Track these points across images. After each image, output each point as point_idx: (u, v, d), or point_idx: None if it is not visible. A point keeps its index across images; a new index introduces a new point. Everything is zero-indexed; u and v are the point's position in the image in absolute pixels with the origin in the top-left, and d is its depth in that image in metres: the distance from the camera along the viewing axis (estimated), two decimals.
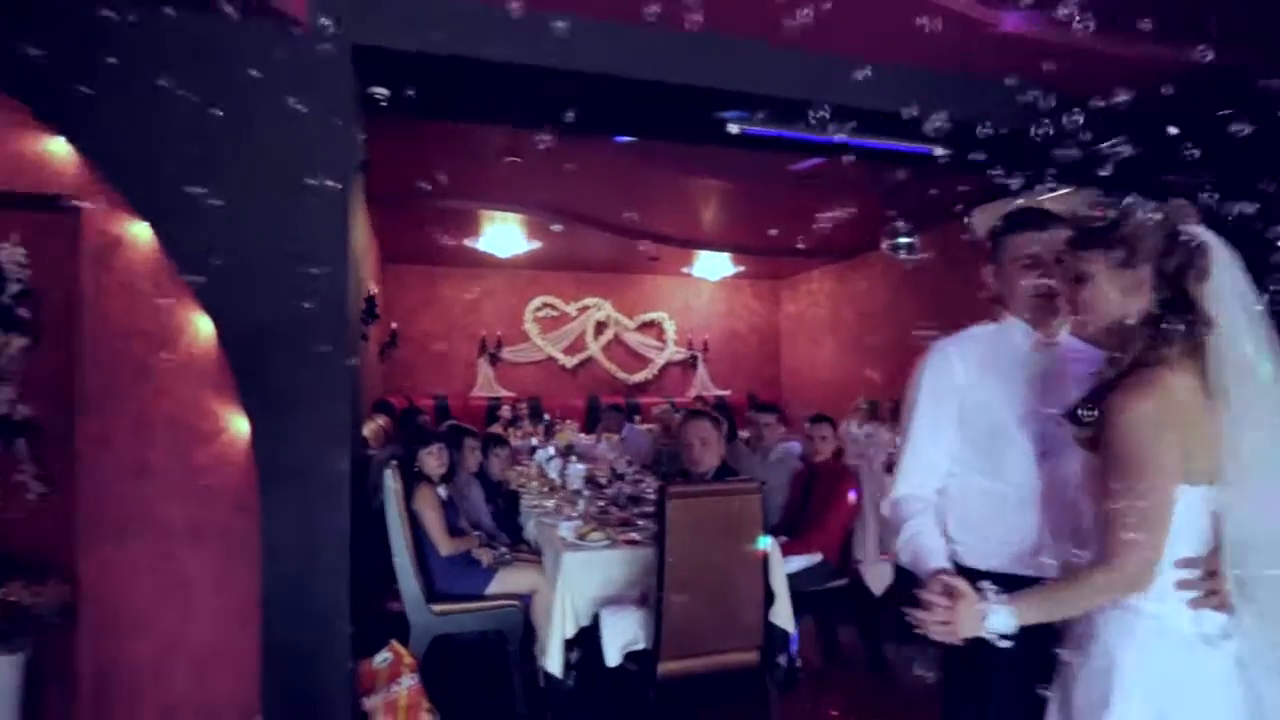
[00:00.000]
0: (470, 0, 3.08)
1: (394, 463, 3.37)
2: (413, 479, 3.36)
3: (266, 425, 2.89)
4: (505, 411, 8.47)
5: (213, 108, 2.76)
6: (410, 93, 3.15)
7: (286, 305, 2.87)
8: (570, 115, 2.87)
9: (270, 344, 2.87)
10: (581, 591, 2.90)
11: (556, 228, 7.19)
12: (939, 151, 2.30)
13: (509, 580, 3.36)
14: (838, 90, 3.31)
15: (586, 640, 2.74)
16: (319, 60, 2.91)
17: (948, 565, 1.44)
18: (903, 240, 7.02)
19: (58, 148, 2.78)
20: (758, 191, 6.63)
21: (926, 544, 1.50)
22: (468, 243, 7.59)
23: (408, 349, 9.09)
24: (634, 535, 3.16)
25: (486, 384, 9.63)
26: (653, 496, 4.06)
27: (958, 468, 1.57)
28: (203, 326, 2.88)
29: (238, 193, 2.84)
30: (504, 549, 3.52)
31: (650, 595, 2.61)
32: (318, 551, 2.93)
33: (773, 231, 7.80)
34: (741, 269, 9.74)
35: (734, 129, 3.84)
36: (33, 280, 3.00)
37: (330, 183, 2.93)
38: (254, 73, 2.81)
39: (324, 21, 2.90)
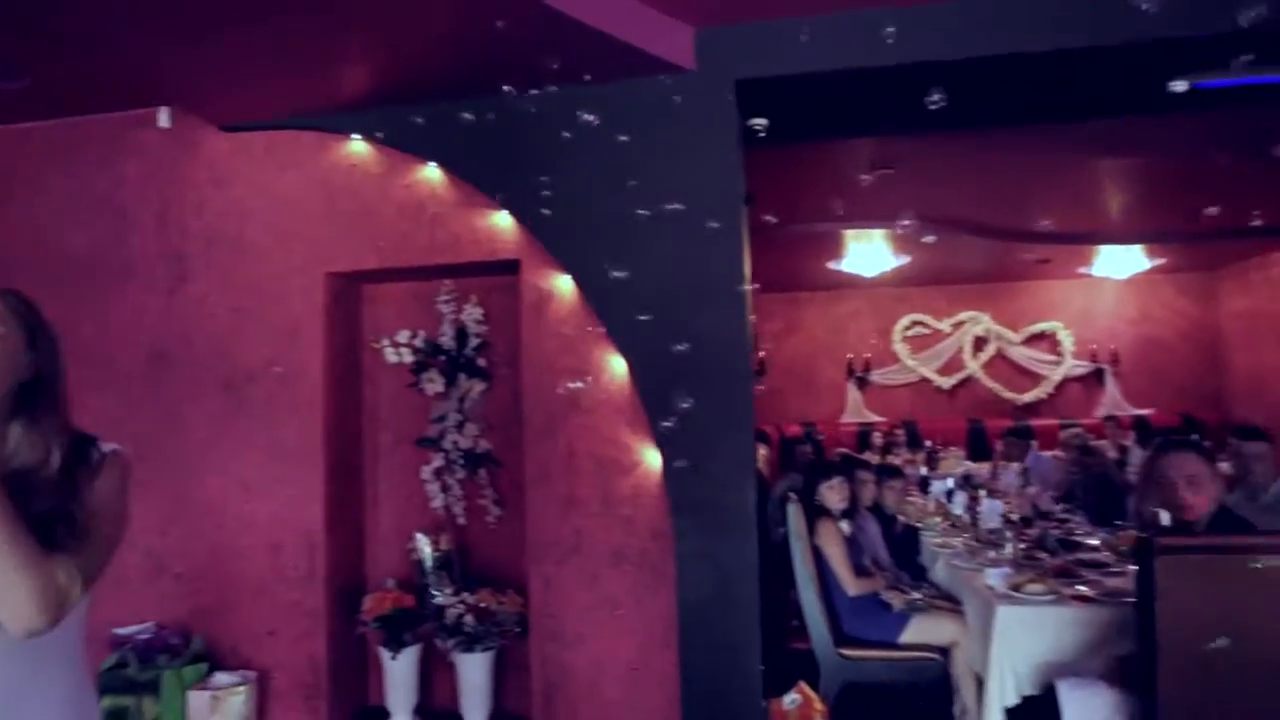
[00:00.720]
0: (847, 12, 2.93)
1: (793, 495, 3.28)
2: (814, 513, 3.24)
3: (675, 457, 3.00)
4: (877, 438, 8.04)
5: (626, 176, 3.01)
6: (784, 119, 3.10)
7: (690, 340, 2.97)
8: (953, 107, 2.56)
9: (676, 379, 2.99)
10: (1023, 654, 2.48)
11: (929, 239, 6.65)
12: None
13: (924, 629, 3.04)
14: None
15: (1040, 714, 2.31)
16: (706, 102, 3.01)
17: None
18: None
19: (503, 221, 3.26)
20: (1187, 164, 5.38)
21: None
22: (831, 265, 7.41)
23: (775, 377, 9.17)
24: (1084, 590, 2.63)
25: (855, 409, 9.29)
26: (1093, 543, 3.41)
27: None
28: (617, 365, 3.12)
29: (643, 239, 3.04)
30: (916, 593, 3.21)
31: (1126, 673, 2.10)
32: (727, 583, 2.94)
33: (1211, 210, 6.27)
34: (1159, 261, 8.04)
35: (1180, 86, 3.10)
36: (487, 334, 3.55)
37: (718, 221, 2.99)
38: (650, 126, 3.01)
39: (709, 63, 2.99)
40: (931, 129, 4.07)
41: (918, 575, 3.72)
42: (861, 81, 3.10)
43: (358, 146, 3.44)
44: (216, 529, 3.44)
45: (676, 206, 3.00)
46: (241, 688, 3.16)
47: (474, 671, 3.32)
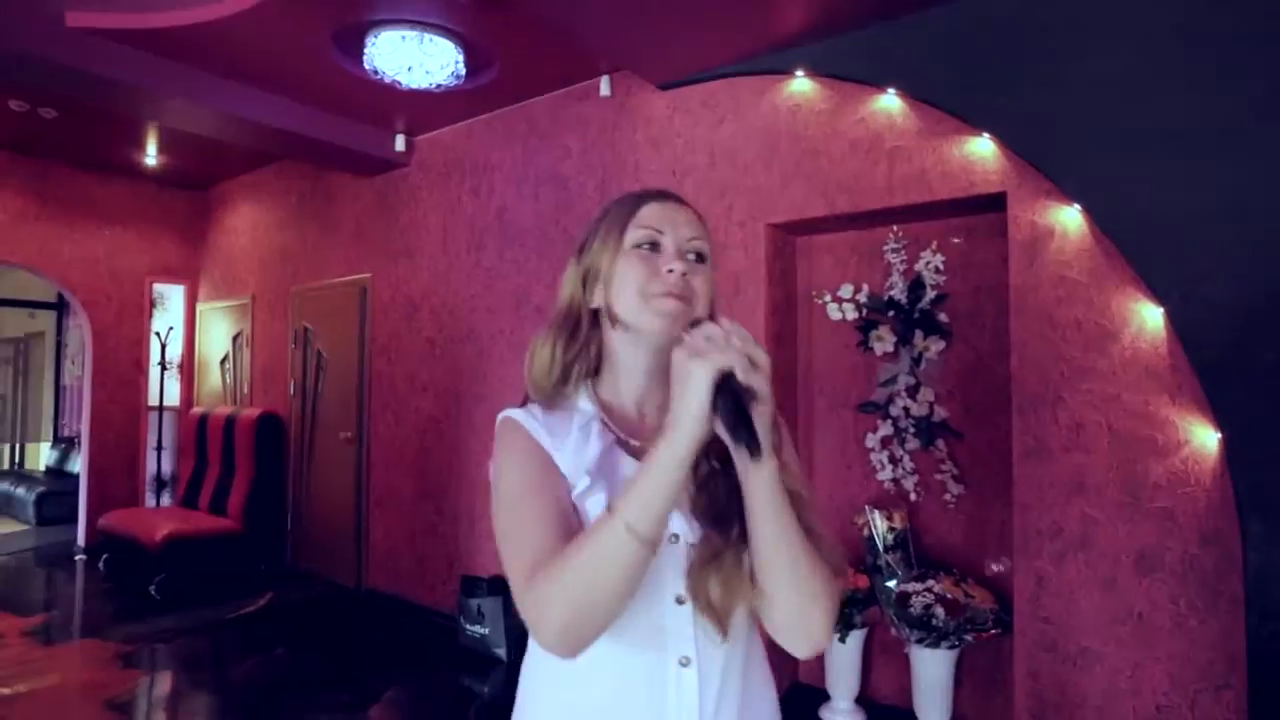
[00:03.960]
0: None
1: None
2: None
3: (1246, 438, 2.24)
4: None
5: (1161, 67, 2.29)
6: None
7: (1273, 282, 2.18)
8: None
9: (1247, 334, 2.23)
10: None
11: None
12: None
13: None
14: None
15: None
16: None
17: None
18: None
19: (982, 149, 2.73)
20: None
21: None
22: None
23: None
24: None
25: None
26: None
27: None
28: (1148, 316, 2.43)
29: (1185, 144, 2.30)
30: None
31: None
32: None
33: None
34: None
35: None
36: (944, 285, 3.06)
37: None
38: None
39: None
40: None
41: None
42: None
43: (800, 85, 3.16)
44: None
45: (1253, 89, 2.20)
46: None
47: (934, 669, 2.91)
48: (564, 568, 0.77)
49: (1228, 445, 2.28)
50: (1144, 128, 2.39)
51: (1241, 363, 2.24)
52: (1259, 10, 2.23)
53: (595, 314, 0.99)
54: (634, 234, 0.96)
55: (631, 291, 0.93)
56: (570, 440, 0.93)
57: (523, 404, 0.99)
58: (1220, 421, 2.29)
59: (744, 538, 0.85)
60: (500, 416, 0.98)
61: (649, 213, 0.97)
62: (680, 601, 0.89)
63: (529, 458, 0.91)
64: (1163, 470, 2.40)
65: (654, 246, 0.95)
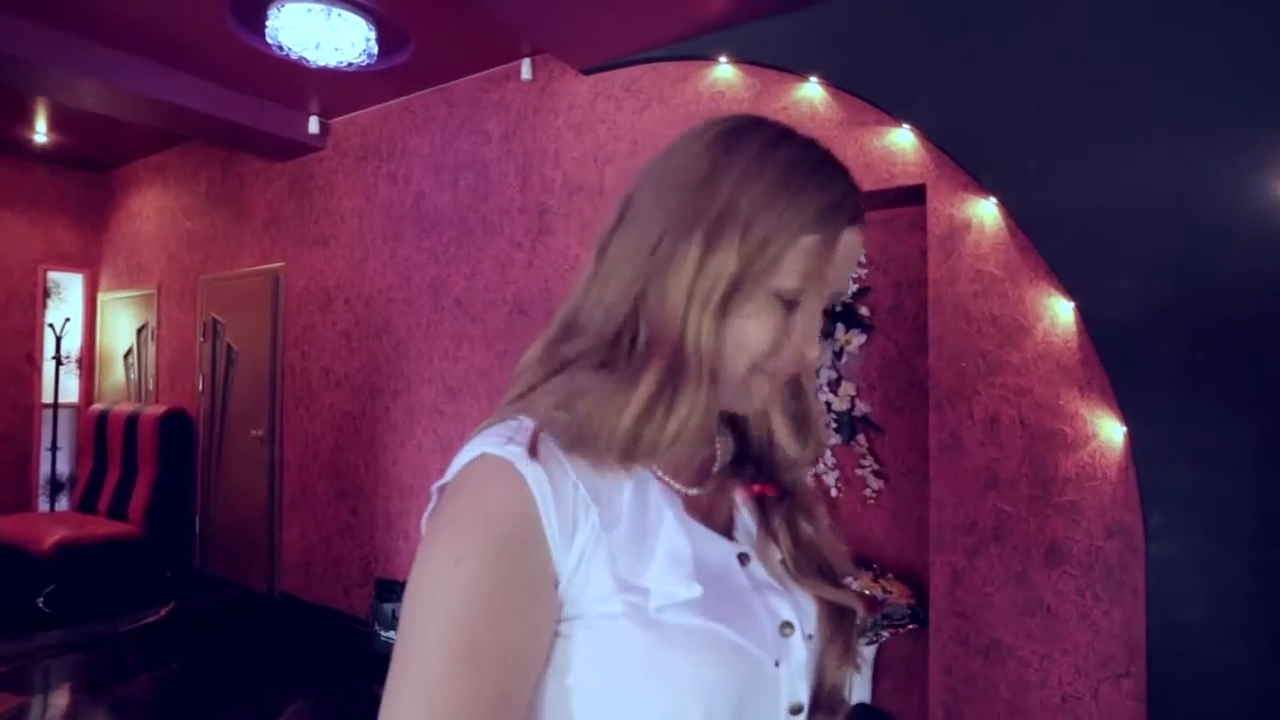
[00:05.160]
0: None
1: None
2: None
3: (1151, 433, 2.27)
4: None
5: (1077, 61, 2.30)
6: None
7: (1181, 277, 2.20)
8: None
9: (1153, 329, 2.25)
10: None
11: None
12: None
13: None
14: None
15: None
16: None
17: None
18: None
19: (902, 140, 2.71)
20: None
21: None
22: None
23: None
24: None
25: None
26: None
27: None
28: (1060, 311, 2.44)
29: (1098, 141, 2.32)
30: None
31: None
32: (1228, 606, 2.17)
33: None
34: None
35: None
36: (866, 279, 3.04)
37: (1237, 105, 2.16)
38: None
39: None
40: None
41: None
42: None
43: (723, 71, 3.10)
44: None
45: (1163, 90, 2.23)
46: None
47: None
48: None
49: (1132, 439, 2.30)
50: (1057, 122, 2.40)
51: (1146, 358, 2.27)
52: (1168, 6, 2.25)
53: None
54: (793, 270, 0.60)
55: (742, 356, 0.61)
56: (623, 515, 0.59)
57: (531, 448, 0.57)
58: (1125, 415, 2.31)
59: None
60: (475, 455, 0.57)
61: (847, 247, 0.62)
62: (796, 711, 0.65)
63: (508, 571, 0.54)
64: (1072, 464, 2.42)
65: (794, 303, 0.62)
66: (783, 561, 0.67)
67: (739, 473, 0.70)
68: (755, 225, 0.58)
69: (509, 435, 0.57)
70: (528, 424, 0.59)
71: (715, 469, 0.65)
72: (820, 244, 0.59)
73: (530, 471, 0.55)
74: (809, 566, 0.68)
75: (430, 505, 0.60)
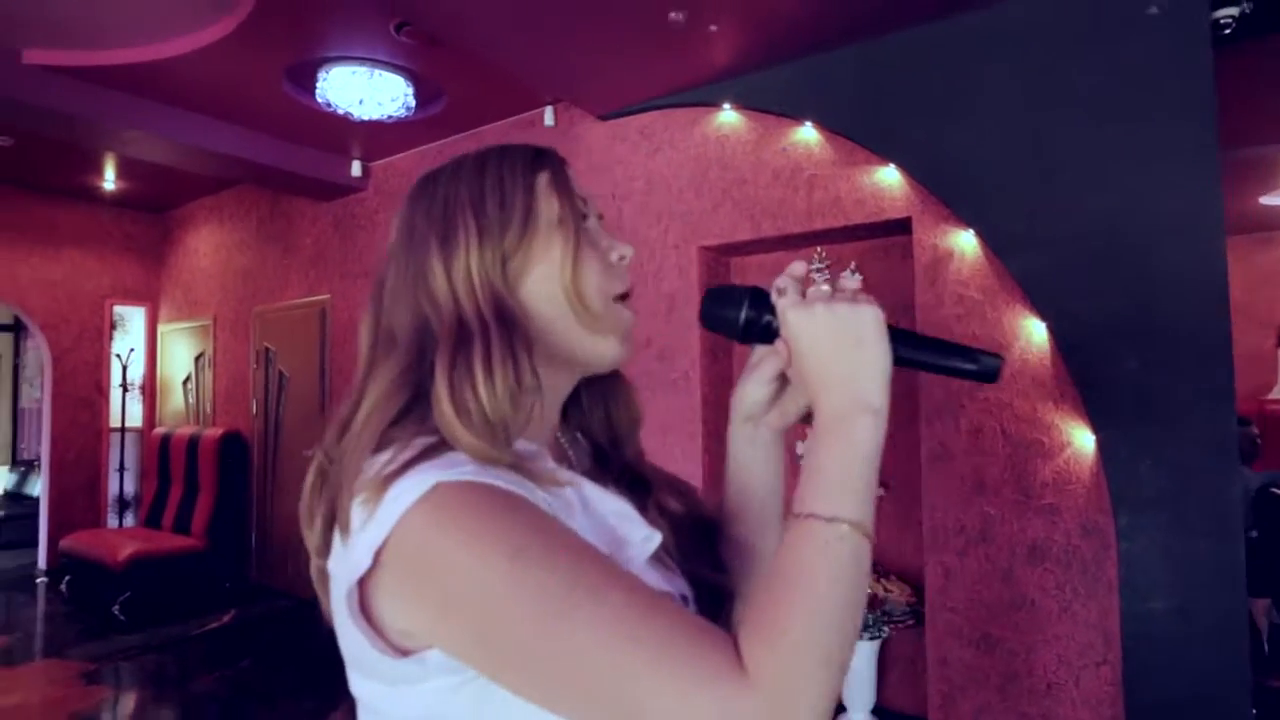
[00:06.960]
0: None
1: (1275, 490, 2.58)
2: None
3: (1117, 439, 2.50)
4: None
5: (1044, 101, 2.56)
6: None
7: (1137, 295, 2.44)
8: None
9: (1116, 344, 2.49)
10: None
11: None
12: None
13: None
14: None
15: None
16: None
17: None
18: None
19: (889, 177, 2.98)
20: None
21: None
22: (1264, 200, 5.89)
23: None
24: None
25: None
26: None
27: None
28: (1034, 331, 2.68)
29: (1070, 180, 2.57)
30: None
31: None
32: (1193, 597, 2.39)
33: None
34: None
35: None
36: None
37: (1180, 142, 2.40)
38: (1081, 34, 2.50)
39: None
40: None
41: None
42: None
43: (728, 116, 3.39)
44: None
45: (1114, 130, 2.48)
46: None
47: (856, 660, 3.14)
48: (802, 622, 0.51)
49: (1102, 446, 2.53)
50: (1027, 161, 2.65)
51: (1111, 371, 2.51)
52: (1128, 51, 2.50)
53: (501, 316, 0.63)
54: (548, 203, 0.66)
55: (572, 292, 0.64)
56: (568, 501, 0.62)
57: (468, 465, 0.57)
58: (1095, 424, 2.55)
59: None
60: (426, 488, 0.53)
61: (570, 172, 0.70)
62: None
63: (552, 522, 0.55)
64: (1049, 470, 2.65)
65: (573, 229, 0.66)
66: (665, 546, 0.67)
67: (604, 475, 0.72)
68: (485, 200, 0.65)
69: (446, 465, 0.55)
70: (444, 451, 0.57)
71: (582, 473, 0.66)
72: (551, 175, 0.67)
73: (490, 477, 0.55)
74: (691, 548, 0.73)
75: (364, 568, 0.55)
